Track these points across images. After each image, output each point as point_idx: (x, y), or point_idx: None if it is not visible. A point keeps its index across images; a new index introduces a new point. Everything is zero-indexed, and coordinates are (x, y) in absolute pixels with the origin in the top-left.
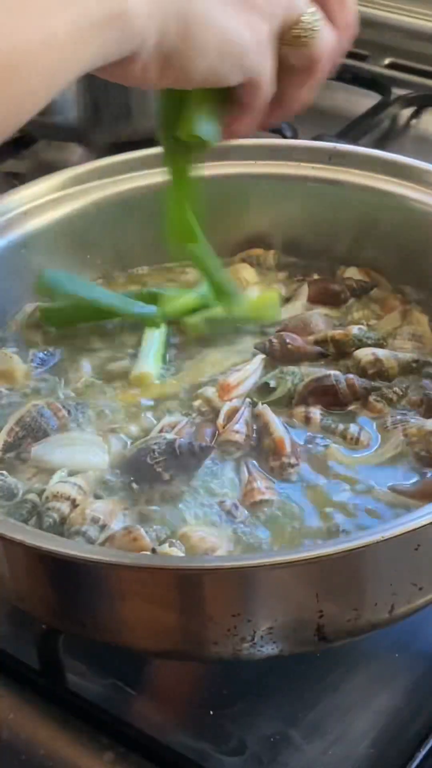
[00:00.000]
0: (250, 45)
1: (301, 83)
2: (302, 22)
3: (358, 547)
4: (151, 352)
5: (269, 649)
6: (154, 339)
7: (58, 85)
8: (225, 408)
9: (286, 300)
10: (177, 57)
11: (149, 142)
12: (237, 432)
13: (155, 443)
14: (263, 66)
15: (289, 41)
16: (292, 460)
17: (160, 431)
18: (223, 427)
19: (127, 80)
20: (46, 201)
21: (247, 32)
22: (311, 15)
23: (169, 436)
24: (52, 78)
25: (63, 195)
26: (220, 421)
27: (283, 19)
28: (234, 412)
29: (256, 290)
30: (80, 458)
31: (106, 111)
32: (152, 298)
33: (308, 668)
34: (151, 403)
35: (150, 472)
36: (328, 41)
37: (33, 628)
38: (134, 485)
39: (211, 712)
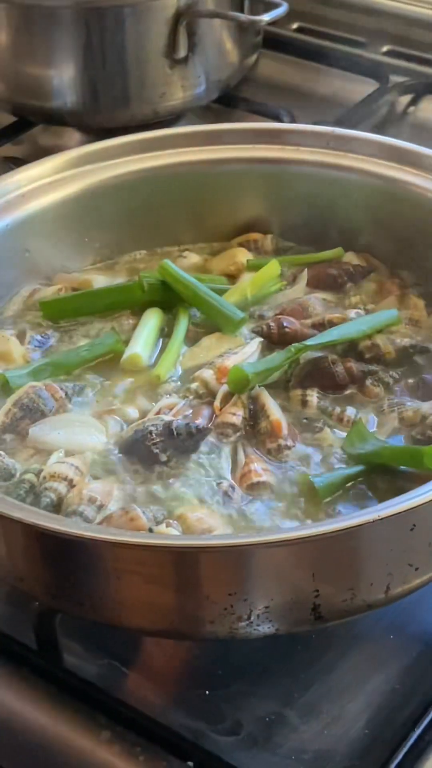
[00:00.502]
0: None
1: None
2: None
3: (354, 526)
4: (143, 335)
5: (265, 628)
6: (148, 324)
7: None
8: (222, 390)
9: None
10: None
11: (147, 127)
12: (234, 414)
13: (152, 425)
14: None
15: None
16: (289, 443)
17: (158, 413)
18: (220, 410)
19: None
20: (43, 184)
21: None
22: None
23: (166, 417)
24: None
25: (60, 178)
26: (217, 403)
27: None
28: (231, 394)
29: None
30: (78, 439)
31: (105, 96)
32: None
33: (304, 649)
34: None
35: (147, 454)
36: None
37: (30, 607)
38: (131, 466)
39: (207, 692)
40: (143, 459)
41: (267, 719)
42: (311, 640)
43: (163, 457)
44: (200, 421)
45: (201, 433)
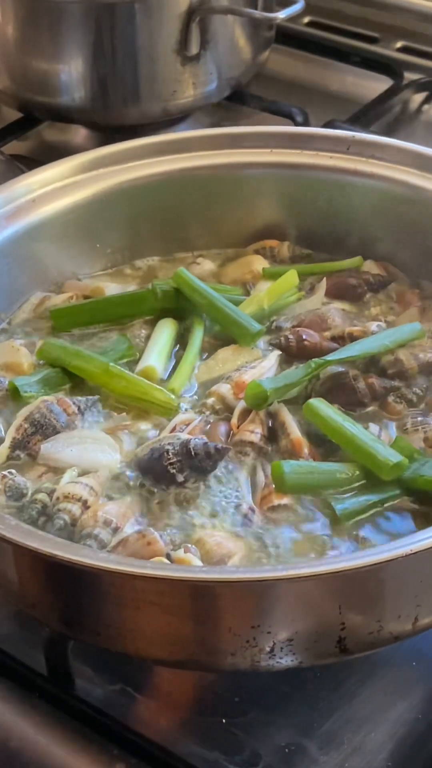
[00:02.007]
0: None
1: None
2: None
3: (386, 561)
4: (157, 347)
5: (288, 661)
6: (162, 335)
7: None
8: (239, 406)
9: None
10: None
11: (157, 126)
12: (252, 432)
13: (169, 443)
14: None
15: None
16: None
17: (173, 430)
18: (238, 427)
19: None
20: (54, 188)
21: None
22: None
23: (183, 435)
24: None
25: (72, 182)
26: (234, 420)
27: None
28: (248, 411)
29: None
30: (91, 456)
31: (114, 93)
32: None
33: (323, 676)
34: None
35: (164, 473)
36: None
37: (40, 631)
38: (147, 486)
39: (223, 720)
40: (159, 479)
41: (286, 750)
42: (331, 667)
43: (180, 478)
44: (218, 440)
45: (219, 453)
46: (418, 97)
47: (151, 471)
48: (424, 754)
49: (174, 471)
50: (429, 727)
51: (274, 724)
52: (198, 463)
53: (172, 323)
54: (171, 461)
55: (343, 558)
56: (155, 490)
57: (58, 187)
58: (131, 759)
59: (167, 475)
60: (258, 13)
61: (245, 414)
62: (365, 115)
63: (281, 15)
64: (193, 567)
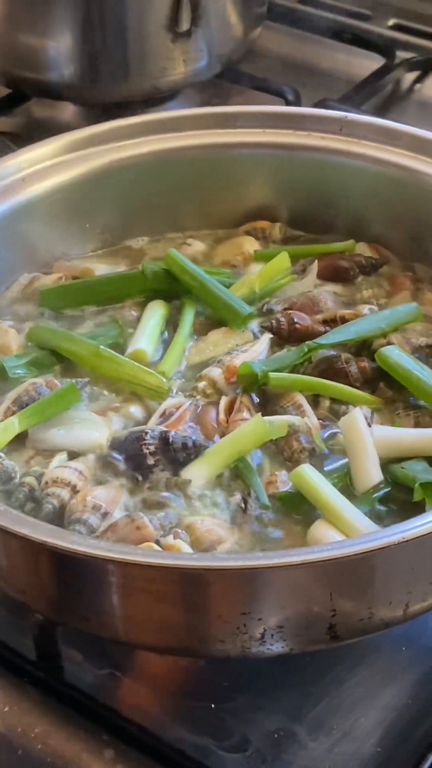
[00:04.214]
0: None
1: None
2: None
3: (377, 549)
4: (147, 330)
5: (278, 648)
6: (152, 317)
7: None
8: (222, 402)
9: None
10: None
11: (147, 103)
12: (243, 420)
13: (150, 429)
14: None
15: None
16: (305, 445)
17: (162, 413)
18: (227, 422)
19: None
20: (44, 167)
21: None
22: None
23: (163, 428)
24: None
25: (62, 161)
26: (222, 416)
27: None
28: (232, 401)
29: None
30: (79, 435)
31: (103, 69)
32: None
33: (313, 662)
34: None
35: (137, 453)
36: None
37: (29, 617)
38: (136, 472)
39: (213, 706)
40: (131, 458)
41: (275, 735)
42: (321, 652)
43: (151, 460)
44: (208, 425)
45: (196, 449)
46: (410, 76)
47: (125, 449)
48: (413, 739)
49: (146, 452)
50: (418, 712)
51: (264, 709)
52: (173, 453)
53: (163, 305)
54: (146, 443)
55: (335, 546)
56: (145, 475)
57: (47, 165)
58: (120, 744)
59: (139, 455)
60: None
61: (230, 406)
62: (357, 94)
63: None
64: (183, 554)
